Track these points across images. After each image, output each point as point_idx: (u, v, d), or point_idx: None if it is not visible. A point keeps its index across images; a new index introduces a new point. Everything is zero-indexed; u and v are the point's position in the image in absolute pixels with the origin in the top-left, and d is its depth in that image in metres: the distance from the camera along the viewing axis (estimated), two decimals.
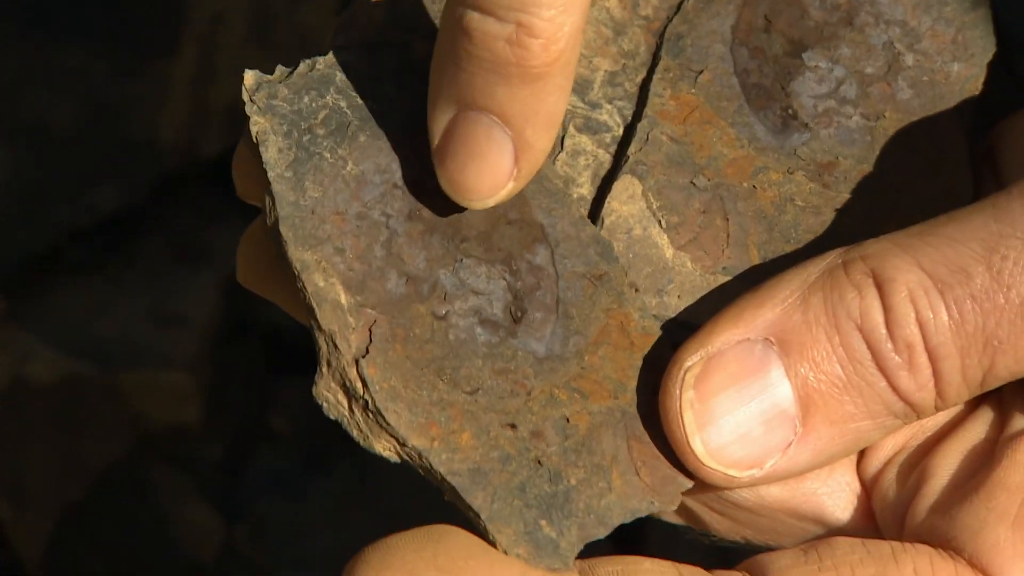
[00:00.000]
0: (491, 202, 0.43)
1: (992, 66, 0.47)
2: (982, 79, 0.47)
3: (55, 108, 1.11)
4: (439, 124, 0.42)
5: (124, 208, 1.11)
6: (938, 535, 0.42)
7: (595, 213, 0.45)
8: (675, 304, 0.44)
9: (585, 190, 0.45)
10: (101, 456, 1.05)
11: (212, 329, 1.08)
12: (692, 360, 0.42)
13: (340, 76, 0.43)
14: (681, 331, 0.44)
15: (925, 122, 0.46)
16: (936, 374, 0.42)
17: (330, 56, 0.44)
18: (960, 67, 0.47)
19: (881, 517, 0.44)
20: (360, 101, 0.43)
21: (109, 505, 1.05)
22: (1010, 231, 0.41)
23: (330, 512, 1.06)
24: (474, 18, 0.41)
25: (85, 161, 1.11)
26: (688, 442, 0.42)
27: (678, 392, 0.42)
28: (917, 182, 0.46)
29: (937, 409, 0.43)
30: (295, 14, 1.14)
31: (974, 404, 0.45)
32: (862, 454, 0.45)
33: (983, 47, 0.47)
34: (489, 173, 0.42)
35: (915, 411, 0.42)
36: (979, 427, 0.44)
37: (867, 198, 0.45)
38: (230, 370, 1.09)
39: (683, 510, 0.45)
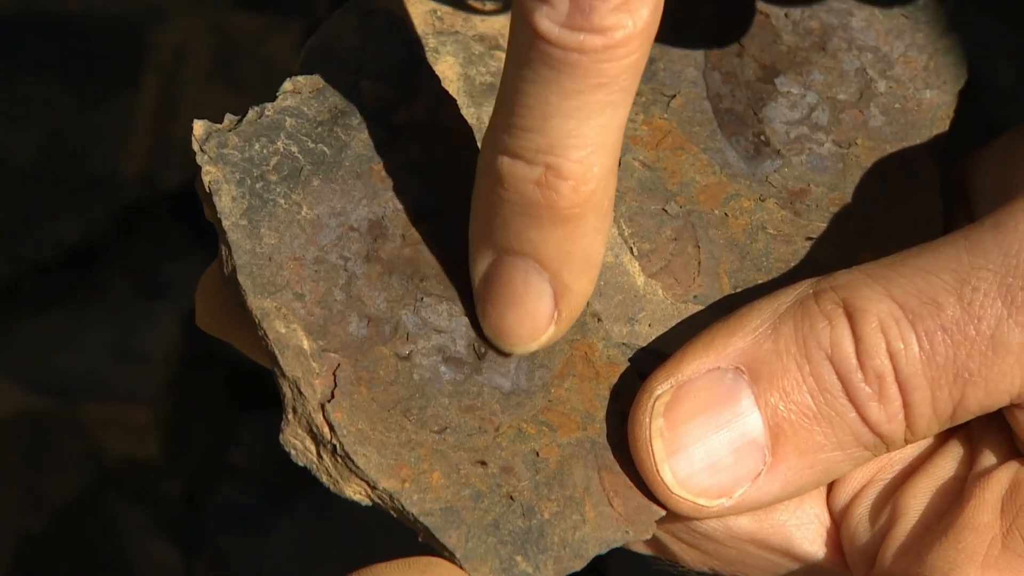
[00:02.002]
0: (534, 346, 0.43)
1: (963, 94, 0.47)
2: (953, 107, 0.47)
3: (16, 140, 1.11)
4: (479, 270, 0.42)
5: (85, 241, 1.11)
6: None
7: None
8: (646, 332, 0.44)
9: None
10: (61, 490, 1.04)
11: (173, 363, 1.08)
12: (662, 388, 0.42)
13: (290, 121, 0.43)
14: (652, 360, 0.43)
15: (897, 151, 0.46)
16: (906, 406, 0.42)
17: (279, 101, 0.43)
18: (932, 94, 0.47)
19: (850, 556, 0.44)
20: (311, 145, 0.43)
21: (69, 539, 1.04)
22: (982, 263, 0.41)
23: (292, 547, 1.05)
24: (505, 162, 0.41)
25: (46, 194, 1.10)
26: (657, 470, 0.42)
27: (647, 420, 0.42)
28: (888, 210, 0.46)
29: (907, 441, 0.43)
30: (259, 48, 1.13)
31: (943, 438, 0.45)
32: (831, 486, 0.44)
33: (955, 74, 0.47)
34: (529, 318, 0.42)
35: (885, 443, 0.42)
36: (948, 463, 0.44)
37: (838, 226, 0.45)
38: (191, 404, 1.08)
39: (651, 540, 0.45)
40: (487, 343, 0.43)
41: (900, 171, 0.46)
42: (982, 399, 0.42)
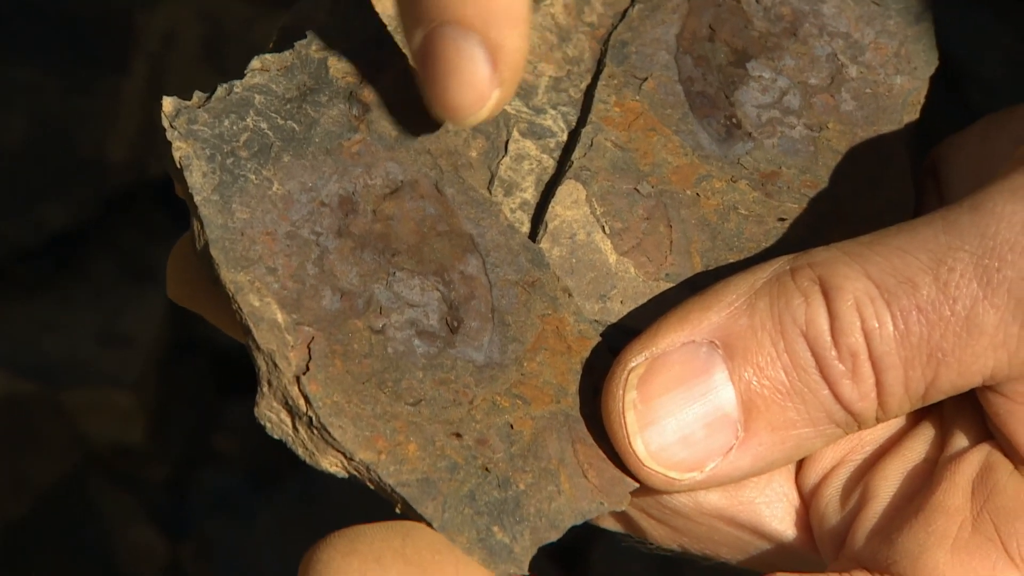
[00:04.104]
0: (484, 114, 0.42)
1: (934, 80, 0.48)
2: (924, 92, 0.47)
3: (3, 124, 1.11)
4: (413, 51, 0.42)
5: (72, 226, 1.11)
6: (878, 561, 0.42)
7: (539, 217, 0.45)
8: (617, 309, 0.44)
9: (529, 195, 0.45)
10: (45, 474, 1.05)
11: (158, 348, 1.08)
12: (636, 361, 0.42)
13: (259, 98, 0.44)
14: (624, 336, 0.44)
15: (867, 134, 0.46)
16: (879, 384, 0.42)
17: (247, 79, 0.44)
18: (903, 80, 0.47)
19: (820, 538, 0.44)
20: (280, 122, 0.43)
21: (52, 524, 1.04)
22: (958, 243, 0.41)
23: (276, 532, 1.05)
24: None
25: (33, 178, 1.10)
26: (630, 443, 0.42)
27: (621, 392, 0.42)
28: (859, 193, 0.46)
29: (878, 420, 0.43)
30: (247, 32, 1.13)
31: (915, 420, 0.45)
32: (801, 464, 0.45)
33: (926, 60, 0.47)
34: (469, 85, 0.41)
35: (857, 421, 0.42)
36: (920, 445, 0.44)
37: (809, 208, 0.46)
38: (176, 389, 1.08)
39: (621, 517, 0.45)
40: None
41: (871, 154, 0.46)
42: (955, 379, 0.42)
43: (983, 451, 0.43)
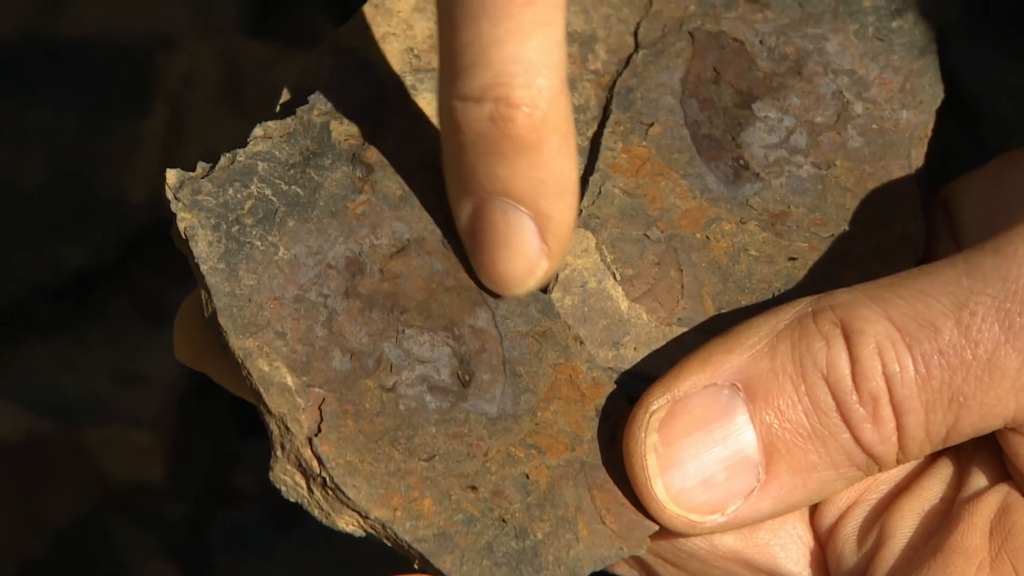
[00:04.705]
0: (532, 284, 0.43)
1: (940, 113, 0.48)
2: (931, 125, 0.47)
3: (22, 165, 1.11)
4: (461, 220, 0.42)
5: (90, 266, 1.11)
6: None
7: None
8: (631, 356, 0.44)
9: None
10: (64, 513, 1.05)
11: (176, 387, 1.08)
12: (658, 403, 0.42)
13: (262, 166, 0.44)
14: (638, 383, 0.44)
15: (875, 169, 0.47)
16: (900, 428, 0.42)
17: (250, 146, 0.44)
18: (909, 114, 0.47)
19: None
20: (284, 187, 0.44)
21: (72, 562, 1.04)
22: (980, 287, 0.41)
23: (296, 570, 1.05)
24: (457, 108, 0.41)
25: (51, 219, 1.11)
26: (651, 486, 0.42)
27: (642, 435, 0.42)
28: (869, 229, 0.46)
29: (899, 462, 0.43)
30: (266, 74, 1.14)
31: (932, 459, 0.45)
32: (816, 505, 0.45)
33: (931, 94, 0.48)
34: (519, 256, 0.42)
35: (877, 464, 0.42)
36: (936, 485, 0.44)
37: (820, 246, 0.46)
38: (194, 428, 1.08)
39: (637, 562, 0.45)
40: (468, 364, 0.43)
41: (880, 190, 0.46)
42: (976, 423, 0.42)
43: (1001, 491, 0.43)
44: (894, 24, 0.48)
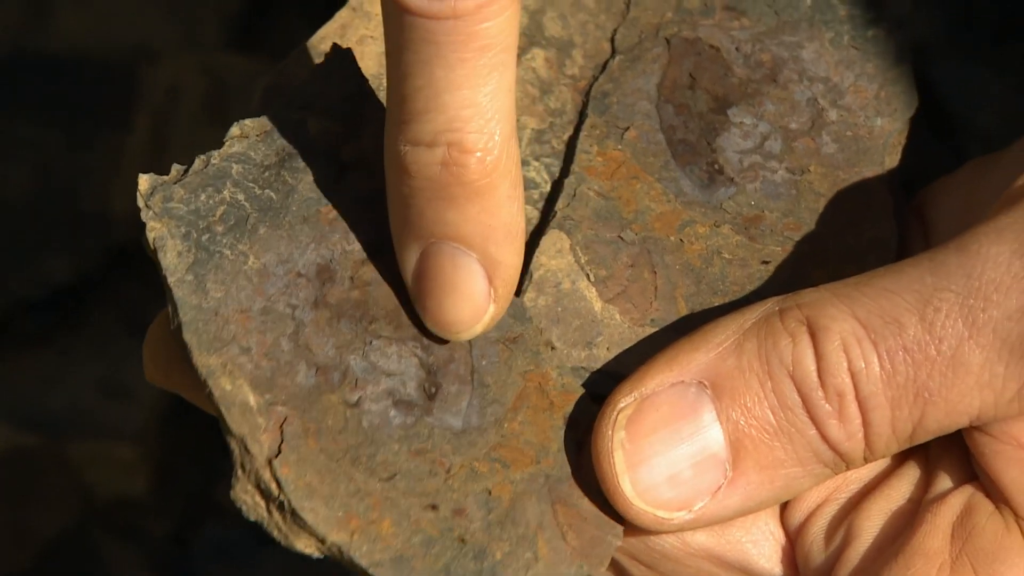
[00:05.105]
0: (479, 329, 0.42)
1: (919, 126, 0.48)
2: (905, 133, 0.48)
3: (7, 178, 1.11)
4: (408, 266, 0.42)
5: (74, 279, 1.11)
6: None
7: (523, 268, 0.45)
8: (604, 356, 0.45)
9: None
10: (48, 527, 1.05)
11: (161, 401, 1.08)
12: (625, 401, 0.42)
13: (236, 168, 0.43)
14: (610, 382, 0.44)
15: (849, 175, 0.47)
16: (866, 424, 0.42)
17: (225, 147, 0.43)
18: (883, 122, 0.48)
19: None
20: (258, 192, 0.43)
21: None
22: (945, 284, 0.41)
23: None
24: (408, 152, 0.41)
25: (35, 232, 1.11)
26: (618, 482, 0.42)
27: (610, 432, 0.42)
28: (842, 233, 0.46)
29: (866, 460, 0.43)
30: (250, 87, 1.14)
31: (901, 460, 0.45)
32: (786, 503, 0.45)
33: (906, 102, 0.48)
34: (467, 301, 0.42)
35: (844, 460, 0.43)
36: (904, 485, 0.44)
37: (793, 250, 0.46)
38: (179, 442, 1.08)
39: (611, 563, 0.45)
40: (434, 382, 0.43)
41: (853, 195, 0.47)
42: (942, 419, 0.42)
43: (965, 493, 0.43)
44: (869, 33, 0.48)
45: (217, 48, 1.14)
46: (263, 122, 0.44)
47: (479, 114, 0.40)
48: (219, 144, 0.44)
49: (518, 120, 0.47)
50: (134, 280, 1.11)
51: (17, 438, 1.03)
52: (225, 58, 1.14)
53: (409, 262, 0.42)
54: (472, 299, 0.42)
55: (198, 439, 1.08)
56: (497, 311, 0.42)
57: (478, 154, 0.40)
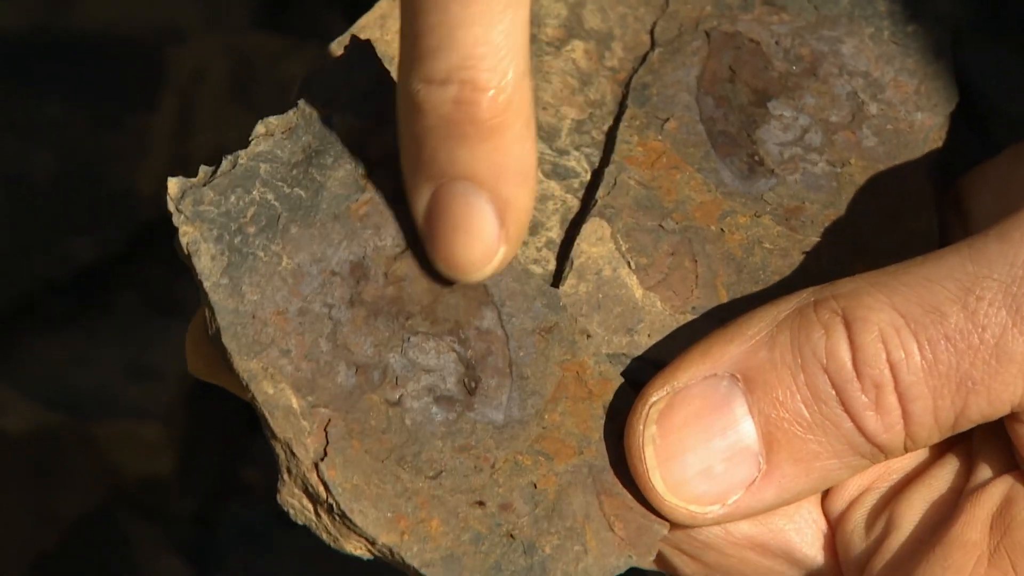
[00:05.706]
0: (489, 270, 0.42)
1: (954, 117, 0.48)
2: (945, 128, 0.48)
3: (33, 159, 1.12)
4: (419, 206, 0.42)
5: (100, 260, 1.11)
6: None
7: (564, 255, 0.45)
8: (645, 343, 0.45)
9: (554, 233, 0.46)
10: (74, 507, 1.05)
11: (187, 381, 1.08)
12: (657, 395, 0.42)
13: (264, 167, 0.43)
14: (651, 369, 0.44)
15: (890, 169, 0.47)
16: (906, 415, 0.42)
17: (252, 147, 0.43)
18: (923, 116, 0.48)
19: (845, 565, 0.44)
20: (287, 191, 0.43)
21: (82, 556, 1.05)
22: (986, 272, 0.41)
23: (303, 565, 1.05)
24: (420, 90, 0.40)
25: (62, 212, 1.11)
26: (649, 477, 0.42)
27: (641, 428, 0.42)
28: (883, 226, 0.46)
29: (907, 450, 0.43)
30: (276, 67, 1.14)
31: (942, 449, 0.45)
32: (827, 491, 0.45)
33: (946, 97, 0.48)
34: (478, 241, 0.41)
35: (883, 451, 0.43)
36: (946, 474, 0.44)
37: (834, 241, 0.46)
38: (204, 422, 1.09)
39: None
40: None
41: (894, 188, 0.47)
42: (984, 408, 0.42)
43: (1006, 483, 0.43)
44: (909, 28, 0.48)
45: (243, 28, 1.14)
46: (288, 119, 0.43)
47: (493, 52, 0.39)
48: (244, 125, 0.43)
49: (558, 110, 0.47)
50: (159, 260, 1.12)
51: (43, 418, 1.04)
52: (251, 38, 1.14)
53: (420, 202, 0.42)
54: (483, 239, 0.41)
55: (223, 420, 1.09)
56: (508, 252, 0.42)
57: (491, 92, 0.40)
